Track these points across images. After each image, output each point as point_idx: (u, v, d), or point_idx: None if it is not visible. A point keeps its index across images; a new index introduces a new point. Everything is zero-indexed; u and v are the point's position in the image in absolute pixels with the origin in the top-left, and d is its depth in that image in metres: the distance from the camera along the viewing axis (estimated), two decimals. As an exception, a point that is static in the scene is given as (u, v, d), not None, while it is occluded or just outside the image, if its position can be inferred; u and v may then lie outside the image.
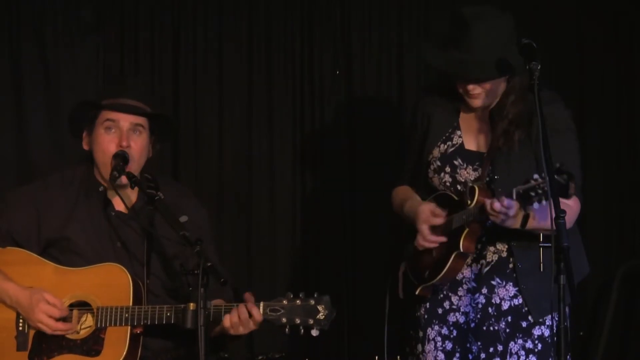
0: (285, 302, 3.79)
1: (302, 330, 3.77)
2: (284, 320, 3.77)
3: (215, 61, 5.35)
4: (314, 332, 3.76)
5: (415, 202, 4.12)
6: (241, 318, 3.80)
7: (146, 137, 4.12)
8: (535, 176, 3.65)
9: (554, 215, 3.46)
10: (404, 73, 5.37)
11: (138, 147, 4.08)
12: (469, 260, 4.06)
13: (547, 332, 4.00)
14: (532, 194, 3.65)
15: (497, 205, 3.74)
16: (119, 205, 4.12)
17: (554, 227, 3.44)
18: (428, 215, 4.01)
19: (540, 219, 3.80)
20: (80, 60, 5.26)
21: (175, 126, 4.50)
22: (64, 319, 3.95)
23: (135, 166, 4.06)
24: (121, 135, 4.06)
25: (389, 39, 5.39)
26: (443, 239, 3.99)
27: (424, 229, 4.00)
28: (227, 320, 3.82)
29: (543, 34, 5.22)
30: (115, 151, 4.03)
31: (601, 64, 5.38)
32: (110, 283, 3.95)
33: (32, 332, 3.99)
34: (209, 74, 5.34)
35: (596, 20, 5.39)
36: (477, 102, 4.03)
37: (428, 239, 4.00)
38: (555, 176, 3.55)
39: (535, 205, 3.65)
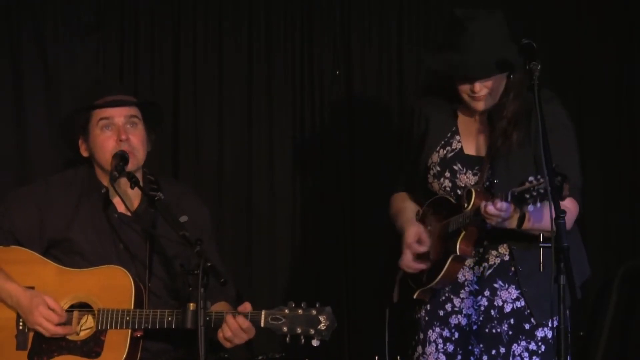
0: (287, 311, 3.80)
1: (303, 340, 3.78)
2: (285, 329, 3.78)
3: (216, 61, 5.34)
4: (315, 342, 3.78)
5: (406, 217, 4.12)
6: (233, 331, 3.83)
7: (142, 128, 4.12)
8: (530, 178, 3.66)
9: (554, 215, 3.45)
10: (404, 73, 5.36)
11: (137, 138, 4.09)
12: (471, 263, 4.05)
13: (550, 334, 3.99)
14: (527, 196, 3.65)
15: (490, 208, 3.75)
16: (121, 207, 4.12)
17: (554, 227, 3.44)
18: (413, 241, 4.02)
19: (535, 220, 3.80)
20: (80, 60, 5.25)
21: (162, 113, 4.47)
22: (63, 323, 3.95)
23: (139, 157, 4.07)
24: (119, 130, 4.06)
25: (389, 39, 5.38)
26: (423, 266, 4.01)
27: (407, 255, 4.02)
28: (220, 337, 3.85)
29: (543, 34, 5.23)
30: (114, 147, 4.03)
31: (601, 64, 5.37)
32: (112, 285, 3.95)
33: (32, 332, 3.99)
34: (209, 74, 5.33)
35: (596, 20, 5.38)
36: (481, 105, 3.99)
37: (410, 266, 4.03)
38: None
39: (530, 207, 3.66)
